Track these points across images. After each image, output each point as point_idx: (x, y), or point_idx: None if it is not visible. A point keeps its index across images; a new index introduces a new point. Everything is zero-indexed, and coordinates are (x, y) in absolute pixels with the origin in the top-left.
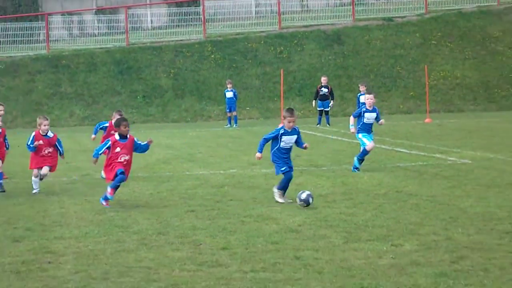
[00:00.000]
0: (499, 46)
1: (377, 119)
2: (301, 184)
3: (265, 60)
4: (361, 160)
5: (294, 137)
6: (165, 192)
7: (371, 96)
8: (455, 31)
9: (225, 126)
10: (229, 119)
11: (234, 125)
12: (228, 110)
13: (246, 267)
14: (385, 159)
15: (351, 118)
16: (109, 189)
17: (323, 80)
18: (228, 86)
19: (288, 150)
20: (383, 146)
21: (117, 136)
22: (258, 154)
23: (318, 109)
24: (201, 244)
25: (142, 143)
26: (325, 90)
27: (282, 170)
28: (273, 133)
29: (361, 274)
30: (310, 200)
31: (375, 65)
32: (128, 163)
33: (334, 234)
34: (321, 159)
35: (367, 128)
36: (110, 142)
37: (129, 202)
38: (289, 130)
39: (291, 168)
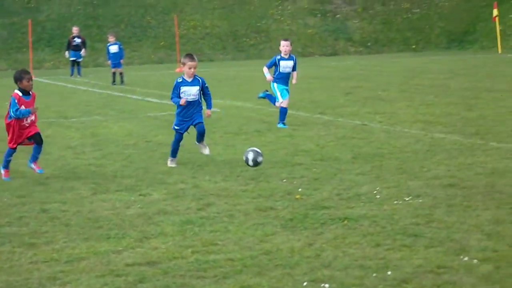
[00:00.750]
0: None
1: (294, 68)
2: (50, 136)
3: (12, 10)
4: (263, 97)
5: (196, 88)
6: None
7: (287, 42)
8: None
9: None
10: None
11: None
12: None
13: None
14: (135, 109)
15: (264, 68)
16: (33, 166)
17: (75, 30)
18: None
19: (193, 103)
20: (134, 96)
21: (19, 93)
22: (181, 101)
23: (71, 59)
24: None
25: None
26: (78, 40)
27: (175, 128)
28: (173, 86)
29: (108, 224)
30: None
31: (125, 15)
32: (33, 123)
33: (82, 186)
34: (70, 110)
35: (283, 78)
36: (16, 99)
37: None
38: (189, 80)
39: (198, 124)
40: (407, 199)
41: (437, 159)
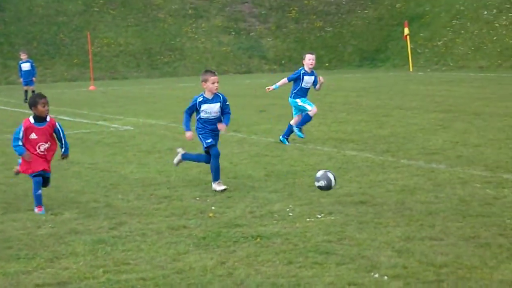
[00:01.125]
0: (161, 13)
1: (314, 83)
2: None
3: None
4: (298, 128)
5: (217, 105)
6: None
7: (313, 56)
8: None
9: None
10: None
11: None
12: None
13: None
14: None
15: (284, 80)
16: (36, 209)
17: None
18: None
19: (212, 122)
20: None
21: (31, 119)
22: (187, 134)
23: None
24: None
25: (65, 138)
26: None
27: (207, 143)
28: (191, 104)
29: (18, 244)
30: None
31: (38, 33)
32: (50, 150)
33: None
34: None
35: (304, 93)
36: (22, 128)
37: None
38: (210, 98)
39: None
40: (319, 216)
41: (349, 176)
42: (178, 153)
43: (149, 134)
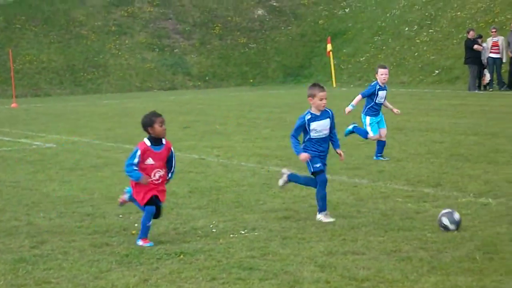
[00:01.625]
0: (84, 30)
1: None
2: None
3: None
4: (352, 131)
5: (327, 121)
6: None
7: (386, 70)
8: (39, 15)
9: None
10: None
11: None
12: None
13: None
14: None
15: (358, 97)
16: (140, 242)
17: None
18: None
19: (323, 141)
20: None
21: (147, 142)
22: (302, 156)
23: None
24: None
25: (175, 163)
26: None
27: (315, 168)
28: (298, 124)
29: None
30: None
31: None
32: (163, 180)
33: None
34: None
35: (377, 109)
36: (139, 152)
37: None
38: (318, 114)
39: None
40: (243, 232)
41: (272, 192)
42: (284, 174)
43: (72, 151)
